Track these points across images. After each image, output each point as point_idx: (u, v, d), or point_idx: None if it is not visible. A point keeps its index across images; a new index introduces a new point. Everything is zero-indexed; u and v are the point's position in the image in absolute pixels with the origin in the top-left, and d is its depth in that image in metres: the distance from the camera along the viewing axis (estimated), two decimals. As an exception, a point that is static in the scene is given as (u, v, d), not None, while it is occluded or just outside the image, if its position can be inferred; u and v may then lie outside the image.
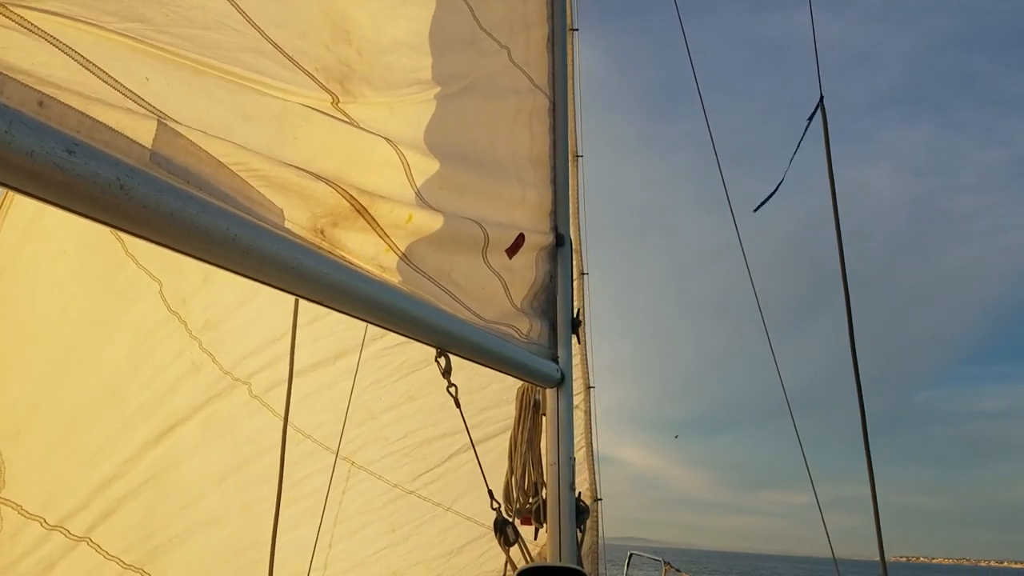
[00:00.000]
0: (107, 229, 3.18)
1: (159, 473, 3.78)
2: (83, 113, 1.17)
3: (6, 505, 3.30)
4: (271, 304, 3.79)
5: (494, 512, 2.95)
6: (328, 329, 4.18)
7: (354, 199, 1.87)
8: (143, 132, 1.26)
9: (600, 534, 7.22)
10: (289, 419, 3.75)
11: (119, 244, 3.27)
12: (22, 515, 3.35)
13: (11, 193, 2.91)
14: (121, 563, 3.79)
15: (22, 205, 2.98)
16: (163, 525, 3.93)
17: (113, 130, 1.20)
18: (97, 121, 1.18)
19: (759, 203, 3.32)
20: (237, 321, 3.80)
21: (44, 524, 3.44)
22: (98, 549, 3.66)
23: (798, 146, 3.14)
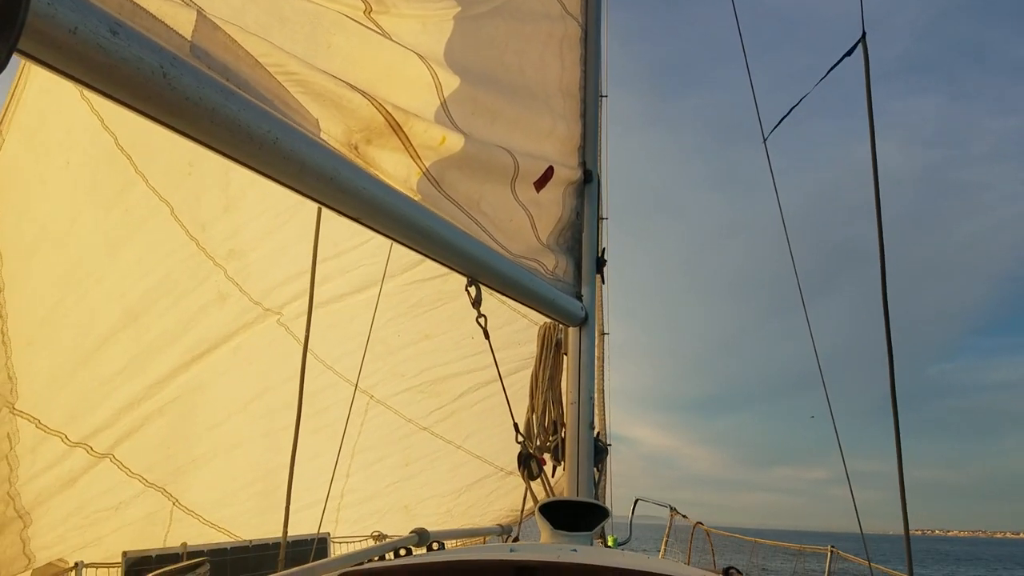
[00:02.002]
0: (114, 142, 3.13)
1: (184, 395, 3.80)
2: (124, -5, 1.10)
3: (21, 417, 3.31)
4: (300, 235, 3.75)
5: (510, 449, 2.96)
6: (354, 262, 4.15)
7: (389, 114, 1.81)
8: (183, 22, 1.20)
9: (608, 480, 7.29)
10: (313, 349, 3.74)
11: (128, 162, 3.21)
12: (40, 429, 3.37)
13: (15, 103, 2.86)
14: (144, 481, 3.83)
15: (25, 115, 2.92)
16: (187, 446, 3.97)
17: (154, 16, 1.14)
18: (138, 5, 1.12)
19: (774, 126, 3.24)
20: (264, 251, 3.77)
21: (66, 440, 3.46)
22: (120, 466, 3.70)
23: (829, 71, 3.03)
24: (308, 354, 3.41)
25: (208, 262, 3.58)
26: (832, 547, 7.46)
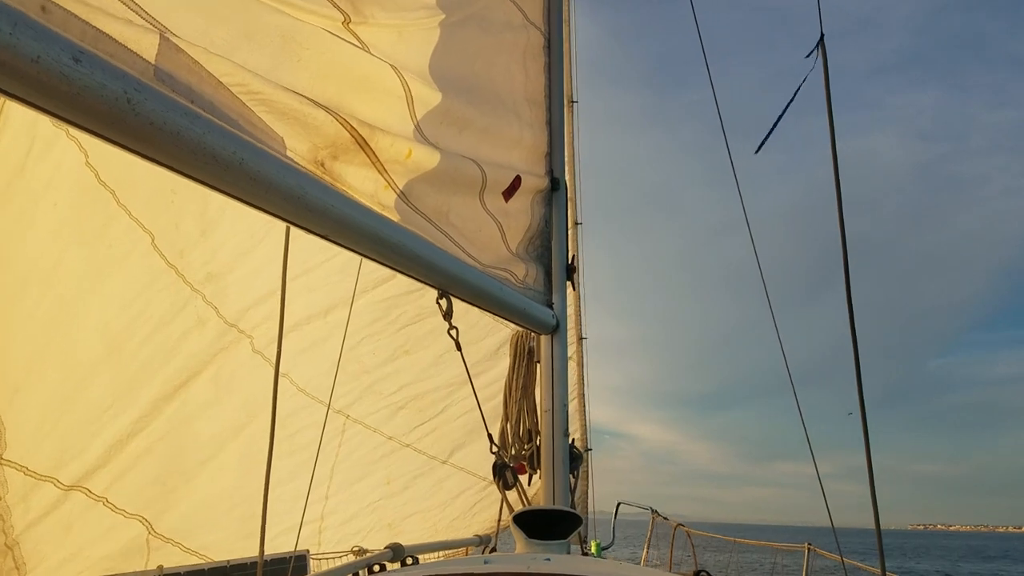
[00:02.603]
0: (95, 178, 3.10)
1: (174, 429, 3.76)
2: (86, 21, 1.11)
3: (9, 466, 3.26)
4: (272, 255, 3.73)
5: (490, 461, 2.96)
6: (321, 280, 4.14)
7: (354, 130, 1.82)
8: (146, 46, 1.21)
9: (590, 484, 7.31)
10: (287, 372, 3.71)
11: (110, 196, 3.20)
12: (29, 476, 3.32)
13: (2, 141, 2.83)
14: (129, 515, 3.79)
15: (8, 157, 2.89)
16: (182, 481, 3.93)
17: (116, 41, 1.15)
18: (101, 31, 1.12)
19: (759, 145, 3.27)
20: (239, 273, 3.75)
21: (58, 484, 3.41)
22: (114, 509, 3.65)
23: (797, 90, 3.09)
24: (282, 378, 3.39)
25: (187, 288, 3.56)
26: (808, 544, 7.53)
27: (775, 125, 3.14)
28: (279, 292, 3.82)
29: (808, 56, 2.97)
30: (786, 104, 3.06)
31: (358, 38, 1.84)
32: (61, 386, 3.34)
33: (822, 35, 2.93)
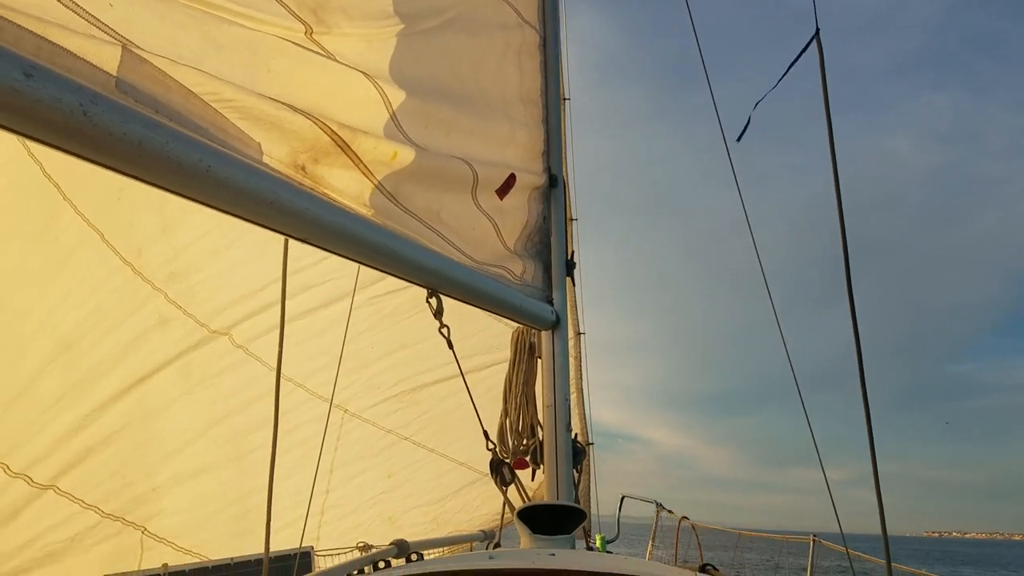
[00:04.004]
0: (40, 171, 3.11)
1: (131, 423, 3.78)
2: (41, 36, 1.11)
3: None
4: (250, 255, 3.74)
5: (489, 454, 2.97)
6: (317, 277, 4.15)
7: (335, 133, 1.82)
8: (107, 58, 1.21)
9: (593, 479, 7.31)
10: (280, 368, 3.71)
11: (55, 190, 3.19)
12: None
13: None
14: (100, 512, 3.81)
15: None
16: (144, 475, 3.95)
17: (75, 55, 1.15)
18: (57, 45, 1.13)
19: (740, 133, 3.26)
20: (209, 272, 3.75)
21: (7, 471, 3.45)
22: (71, 498, 3.68)
23: (787, 71, 3.06)
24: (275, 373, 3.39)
25: (146, 286, 3.57)
26: (814, 536, 7.50)
27: (755, 107, 3.12)
28: (262, 290, 3.84)
29: (804, 51, 2.94)
30: (770, 87, 3.04)
31: (323, 47, 1.83)
32: (10, 379, 3.36)
33: (817, 29, 2.90)
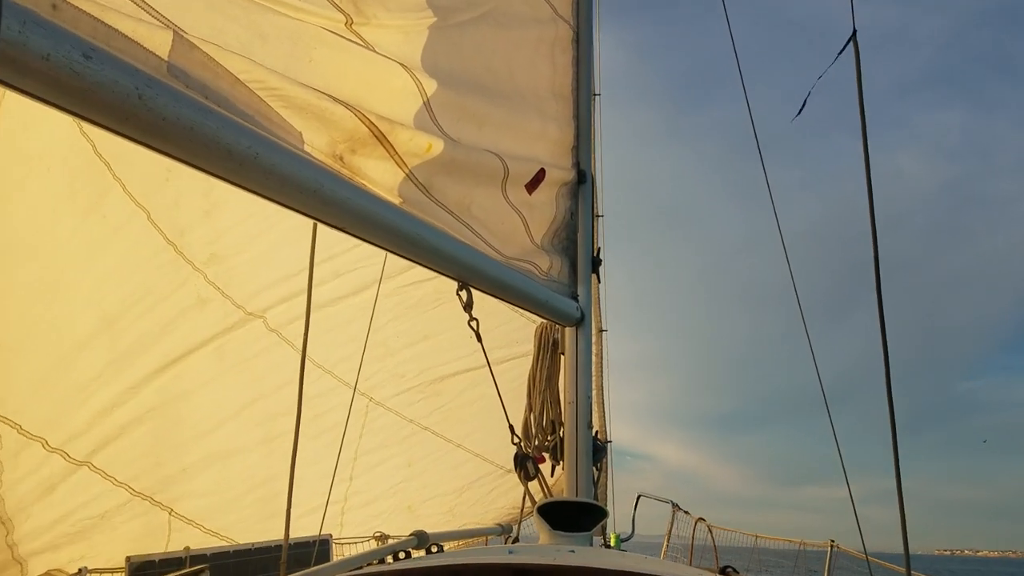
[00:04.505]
0: (92, 149, 3.14)
1: (166, 402, 3.81)
2: (97, 19, 1.12)
3: (3, 422, 3.35)
4: (286, 239, 3.76)
5: (508, 449, 2.97)
6: (347, 265, 4.17)
7: (373, 124, 1.82)
8: (159, 43, 1.22)
9: (610, 478, 7.30)
10: (310, 354, 3.73)
11: (105, 168, 3.24)
12: (22, 434, 3.41)
13: None
14: (131, 489, 3.85)
15: (8, 121, 2.93)
16: (175, 455, 3.98)
17: (128, 38, 1.16)
18: (112, 28, 1.14)
19: (796, 113, 3.22)
20: (248, 255, 3.78)
21: (46, 446, 3.50)
22: (104, 475, 3.72)
23: (821, 75, 3.02)
24: (306, 359, 3.40)
25: (187, 267, 3.60)
26: (832, 541, 7.44)
27: (805, 101, 3.09)
28: (296, 275, 3.86)
29: (841, 53, 2.91)
30: (814, 83, 3.00)
31: (362, 38, 1.84)
32: (53, 353, 3.41)
33: (854, 31, 2.86)
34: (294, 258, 3.85)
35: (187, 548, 3.94)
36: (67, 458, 3.58)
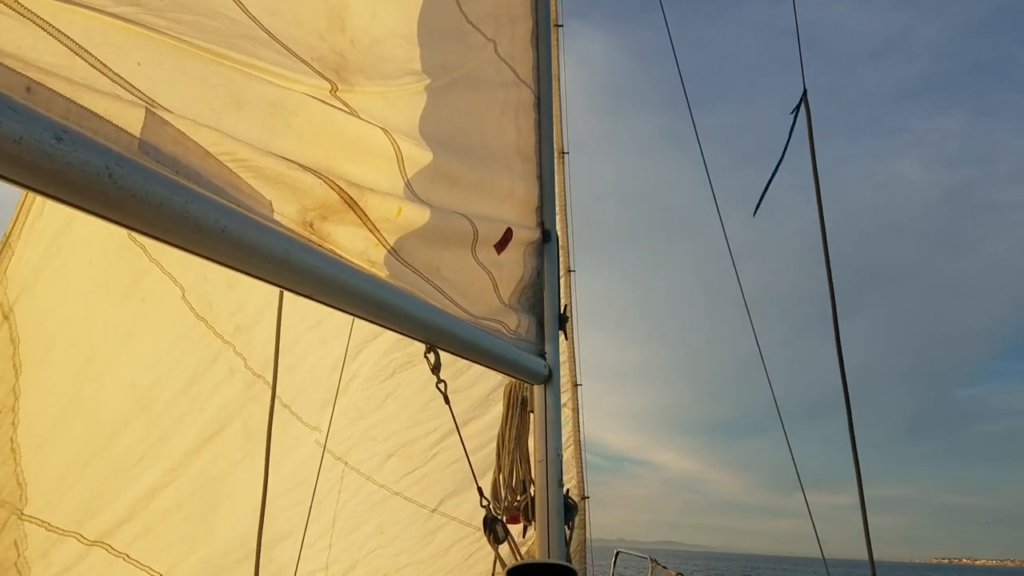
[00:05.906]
0: (127, 235, 3.14)
1: (204, 485, 3.73)
2: (71, 100, 1.14)
3: (30, 522, 3.23)
4: (290, 306, 3.74)
5: (483, 510, 2.94)
6: (334, 331, 4.16)
7: (343, 191, 1.86)
8: (132, 120, 1.24)
9: (588, 533, 7.23)
10: (316, 426, 3.64)
11: (141, 251, 3.26)
12: (51, 531, 3.29)
13: (31, 210, 2.88)
14: (153, 572, 3.72)
15: (47, 220, 2.95)
16: (206, 534, 3.87)
17: (101, 117, 1.18)
18: (85, 108, 1.16)
19: (756, 206, 3.33)
20: (264, 324, 3.76)
21: (81, 539, 3.37)
22: (138, 565, 3.60)
23: (787, 144, 3.15)
24: (312, 431, 3.33)
25: (217, 340, 3.57)
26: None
27: (766, 189, 3.20)
28: (298, 342, 3.83)
29: (793, 112, 3.04)
30: (775, 167, 3.12)
31: (347, 104, 1.89)
32: (88, 441, 3.32)
33: (804, 91, 2.99)
34: (292, 325, 3.84)
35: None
36: (110, 550, 3.46)
